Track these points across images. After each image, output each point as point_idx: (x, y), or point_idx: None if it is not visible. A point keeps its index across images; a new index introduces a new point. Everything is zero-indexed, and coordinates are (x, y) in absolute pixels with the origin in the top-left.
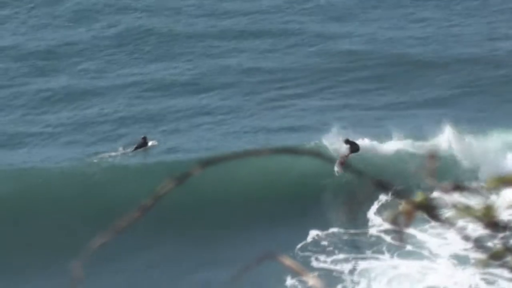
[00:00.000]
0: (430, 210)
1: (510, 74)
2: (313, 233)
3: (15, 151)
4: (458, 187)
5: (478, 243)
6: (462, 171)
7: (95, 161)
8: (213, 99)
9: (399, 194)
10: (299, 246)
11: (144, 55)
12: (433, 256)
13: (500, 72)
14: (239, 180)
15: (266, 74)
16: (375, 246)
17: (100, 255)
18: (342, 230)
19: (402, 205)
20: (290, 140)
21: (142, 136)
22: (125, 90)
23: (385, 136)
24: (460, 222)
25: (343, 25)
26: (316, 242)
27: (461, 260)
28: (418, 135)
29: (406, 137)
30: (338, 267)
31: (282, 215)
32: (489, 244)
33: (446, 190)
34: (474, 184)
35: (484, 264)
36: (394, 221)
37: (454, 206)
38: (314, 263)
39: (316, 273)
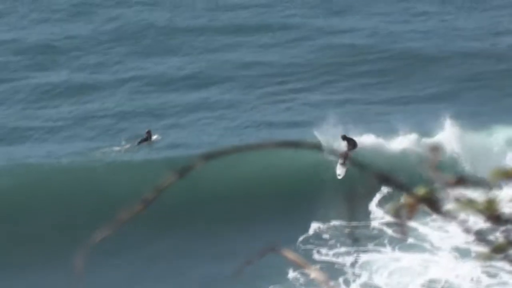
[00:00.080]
0: (433, 203)
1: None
2: (314, 226)
3: (17, 146)
4: (461, 181)
5: (480, 236)
6: (464, 166)
7: (97, 155)
8: (214, 93)
9: (401, 187)
10: (301, 239)
11: (144, 49)
12: (434, 249)
13: (502, 66)
14: (240, 174)
15: (267, 68)
16: (377, 239)
17: (102, 249)
18: (343, 223)
19: (405, 198)
20: (292, 134)
21: (147, 130)
22: (125, 84)
23: (387, 131)
24: (462, 215)
25: (345, 19)
26: (317, 235)
27: (462, 253)
28: (420, 130)
29: (408, 131)
30: (339, 259)
31: (283, 209)
32: (491, 237)
33: (448, 184)
34: (476, 177)
35: (487, 257)
36: (396, 214)
37: (457, 199)
38: (316, 256)
39: (317, 266)
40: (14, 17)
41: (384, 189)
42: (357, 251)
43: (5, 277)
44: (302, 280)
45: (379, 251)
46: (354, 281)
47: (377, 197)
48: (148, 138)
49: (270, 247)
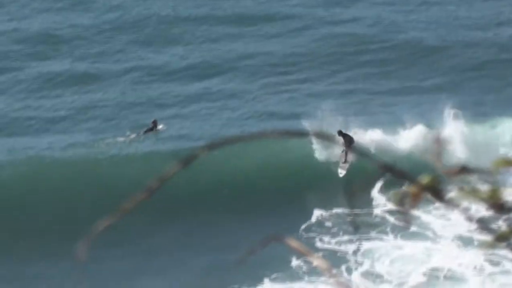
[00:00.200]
0: (437, 192)
1: None
2: (317, 214)
3: (18, 137)
4: (465, 170)
5: (483, 225)
6: (466, 156)
7: (101, 146)
8: (216, 83)
9: (404, 176)
10: (303, 227)
11: (146, 39)
12: (437, 237)
13: (504, 55)
14: (242, 164)
15: (270, 58)
16: (379, 226)
17: (104, 241)
18: (346, 211)
19: (409, 187)
20: (294, 125)
21: (153, 120)
22: (127, 74)
23: (390, 123)
24: (466, 204)
25: (347, 9)
26: (320, 223)
27: (465, 241)
28: (424, 121)
29: (412, 123)
30: (342, 247)
31: (285, 198)
32: (494, 226)
33: (452, 173)
34: (480, 167)
35: (490, 245)
36: (400, 203)
37: (461, 188)
38: (319, 244)
39: (320, 254)
40: (15, 6)
41: (387, 176)
42: (360, 239)
43: (11, 266)
44: (305, 268)
45: (381, 239)
46: (356, 269)
47: (380, 184)
48: (154, 127)
49: (273, 236)
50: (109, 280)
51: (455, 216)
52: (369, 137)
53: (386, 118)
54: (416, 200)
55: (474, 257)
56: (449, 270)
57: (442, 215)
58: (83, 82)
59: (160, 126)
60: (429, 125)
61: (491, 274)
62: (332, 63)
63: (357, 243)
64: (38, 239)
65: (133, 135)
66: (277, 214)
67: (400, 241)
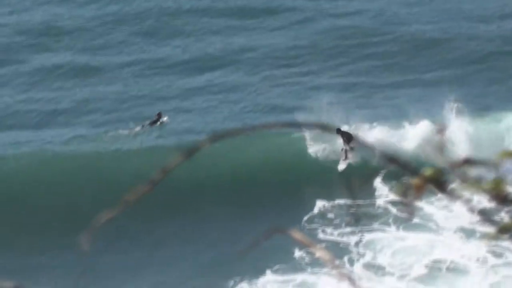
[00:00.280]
0: (441, 184)
1: None
2: (319, 205)
3: (22, 130)
4: (468, 162)
5: (485, 216)
6: (469, 150)
7: (105, 139)
8: (217, 76)
9: (408, 168)
10: (305, 218)
11: (148, 31)
12: (440, 229)
13: (508, 48)
14: (244, 155)
15: (272, 51)
16: (382, 217)
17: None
18: (348, 202)
19: (412, 179)
20: (296, 118)
21: (158, 112)
22: (128, 67)
23: (393, 117)
24: (469, 196)
25: (350, 1)
26: (322, 214)
27: (468, 233)
28: (427, 114)
29: (414, 115)
30: (344, 239)
31: (288, 190)
32: (496, 217)
33: (456, 165)
34: (483, 159)
35: (493, 237)
36: (403, 194)
37: (464, 180)
38: (321, 235)
39: (323, 245)
40: None
41: (389, 168)
42: (362, 230)
43: (15, 259)
44: (307, 259)
45: (383, 230)
46: (358, 260)
47: (382, 175)
48: (158, 119)
49: (276, 228)
50: (110, 275)
51: (458, 207)
52: (372, 130)
53: (389, 111)
54: (419, 192)
55: (477, 248)
56: (451, 261)
57: (444, 207)
58: (85, 74)
59: (164, 118)
60: (432, 118)
61: (494, 266)
62: (334, 56)
63: (360, 234)
64: (40, 232)
65: (137, 128)
66: (279, 206)
67: (402, 233)
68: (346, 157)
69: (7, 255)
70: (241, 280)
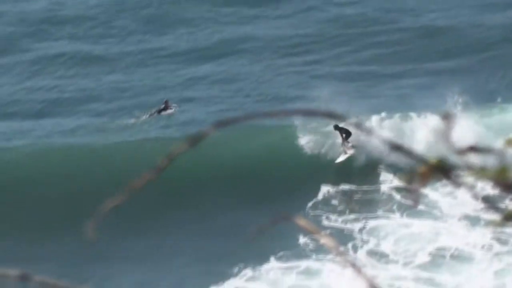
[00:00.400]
0: (447, 172)
1: None
2: (324, 192)
3: (23, 120)
4: (474, 149)
5: (490, 204)
6: (475, 139)
7: (111, 128)
8: (221, 65)
9: (412, 156)
10: (310, 205)
11: (151, 20)
12: (444, 216)
13: None
14: (248, 142)
15: (277, 40)
16: (386, 204)
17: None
18: (353, 187)
19: (418, 167)
20: (302, 107)
21: (164, 100)
22: (131, 56)
23: (397, 105)
24: (473, 183)
25: None
26: (326, 200)
27: (473, 220)
28: (432, 103)
29: (420, 104)
30: (348, 225)
31: (292, 177)
32: (501, 204)
33: (461, 152)
34: (489, 146)
35: (498, 224)
36: (409, 182)
37: (470, 167)
38: (325, 222)
39: (327, 232)
40: None
41: (394, 155)
42: (366, 217)
43: (16, 250)
44: (311, 246)
45: (387, 217)
46: (362, 247)
47: (386, 161)
48: (165, 108)
49: (282, 214)
50: (115, 264)
51: (463, 194)
52: (377, 120)
53: (394, 100)
54: (424, 180)
55: (482, 236)
56: (456, 249)
57: (449, 193)
58: (87, 63)
59: (173, 109)
60: (438, 107)
61: (498, 253)
62: (339, 45)
63: (364, 221)
64: (45, 221)
65: (144, 116)
66: (283, 193)
67: (406, 219)
68: (345, 152)
69: (12, 243)
70: (245, 267)
